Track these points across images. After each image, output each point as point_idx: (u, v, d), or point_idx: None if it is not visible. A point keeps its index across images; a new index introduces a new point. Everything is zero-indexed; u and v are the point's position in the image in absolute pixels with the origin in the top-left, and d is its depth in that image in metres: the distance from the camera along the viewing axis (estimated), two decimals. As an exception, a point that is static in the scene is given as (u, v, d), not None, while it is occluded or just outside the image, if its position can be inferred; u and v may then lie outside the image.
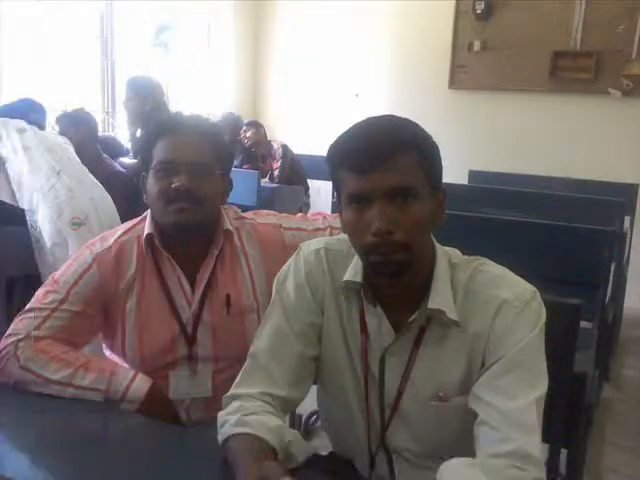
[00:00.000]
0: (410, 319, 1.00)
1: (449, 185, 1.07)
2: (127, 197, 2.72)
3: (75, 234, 2.40)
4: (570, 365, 1.20)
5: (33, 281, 2.26)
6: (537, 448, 0.89)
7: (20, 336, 1.22)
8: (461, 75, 4.75)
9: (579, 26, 4.32)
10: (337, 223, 1.29)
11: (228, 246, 1.38)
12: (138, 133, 3.15)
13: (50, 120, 3.07)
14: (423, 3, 4.82)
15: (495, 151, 4.69)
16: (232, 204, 1.45)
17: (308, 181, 4.62)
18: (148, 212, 1.36)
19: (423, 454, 1.07)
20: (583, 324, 1.43)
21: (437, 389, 1.02)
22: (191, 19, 5.01)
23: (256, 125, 4.57)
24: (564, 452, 1.27)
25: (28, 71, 3.68)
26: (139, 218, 1.39)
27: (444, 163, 1.01)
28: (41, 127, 2.67)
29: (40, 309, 1.26)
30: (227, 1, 5.20)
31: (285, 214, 1.50)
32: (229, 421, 0.98)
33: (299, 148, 4.68)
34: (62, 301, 1.27)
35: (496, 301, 0.98)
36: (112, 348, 1.37)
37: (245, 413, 0.98)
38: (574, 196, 3.22)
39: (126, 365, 1.32)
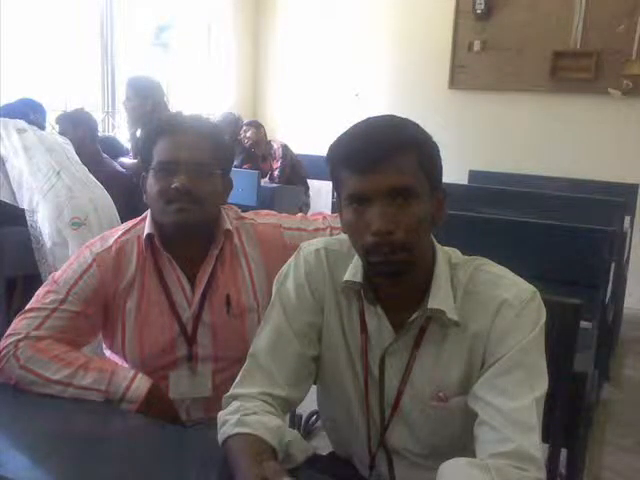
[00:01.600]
0: (410, 319, 1.00)
1: (449, 185, 1.08)
2: (127, 197, 2.72)
3: (75, 234, 2.40)
4: (570, 365, 1.20)
5: (33, 281, 2.26)
6: (537, 448, 0.89)
7: (20, 336, 1.22)
8: (461, 75, 4.74)
9: (579, 26, 4.32)
10: (337, 223, 1.29)
11: (228, 246, 1.38)
12: (138, 133, 3.15)
13: (50, 120, 3.08)
14: (423, 3, 4.81)
15: (495, 151, 4.70)
16: (232, 204, 1.45)
17: (308, 181, 4.61)
18: (148, 212, 1.36)
19: (423, 454, 1.07)
20: (583, 324, 1.43)
21: (437, 389, 1.02)
22: (191, 19, 5.01)
23: (256, 125, 4.56)
24: (564, 452, 1.27)
25: (28, 71, 3.68)
26: (139, 218, 1.39)
27: (444, 163, 1.01)
28: (41, 127, 2.67)
29: (40, 309, 1.26)
30: (227, 1, 5.20)
31: (285, 214, 1.50)
32: (229, 421, 0.98)
33: (299, 148, 4.68)
34: (62, 301, 1.27)
35: (496, 301, 0.98)
36: (112, 348, 1.37)
37: (245, 413, 0.98)
38: (574, 196, 3.22)
39: (126, 365, 1.32)
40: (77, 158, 2.65)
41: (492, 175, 4.08)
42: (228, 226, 1.37)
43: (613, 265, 2.61)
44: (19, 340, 1.22)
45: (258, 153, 4.54)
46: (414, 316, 1.00)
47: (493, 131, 4.74)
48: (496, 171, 4.17)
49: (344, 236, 1.05)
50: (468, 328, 0.99)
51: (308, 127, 5.21)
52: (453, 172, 2.64)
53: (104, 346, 1.40)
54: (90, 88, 4.20)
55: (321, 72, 5.24)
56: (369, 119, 0.99)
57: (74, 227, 2.41)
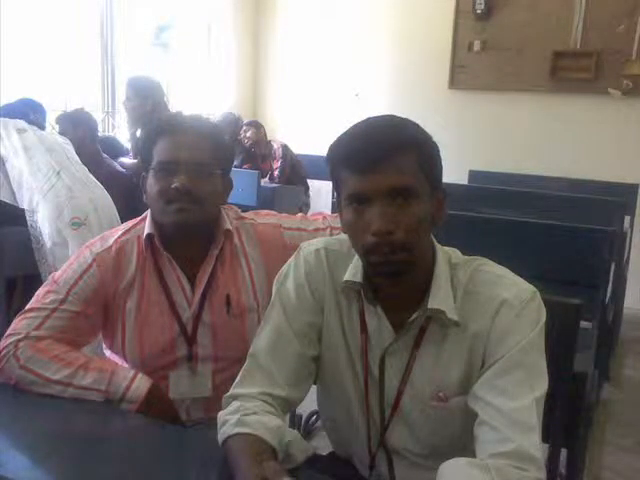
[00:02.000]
0: (410, 319, 1.00)
1: (449, 185, 1.08)
2: (127, 197, 2.72)
3: (75, 234, 2.40)
4: (570, 365, 1.20)
5: (33, 281, 2.26)
6: (537, 448, 0.89)
7: (20, 336, 1.22)
8: (461, 75, 4.74)
9: (579, 26, 4.32)
10: (337, 223, 1.29)
11: (228, 246, 1.38)
12: (138, 133, 3.15)
13: (50, 120, 3.08)
14: (423, 3, 4.81)
15: (495, 151, 4.70)
16: (232, 204, 1.45)
17: (308, 181, 4.61)
18: (148, 212, 1.36)
19: (423, 454, 1.07)
20: (583, 324, 1.43)
21: (437, 389, 1.02)
22: (191, 19, 5.01)
23: (256, 125, 4.56)
24: (564, 452, 1.27)
25: (28, 71, 3.68)
26: (139, 218, 1.39)
27: (444, 163, 1.01)
28: (41, 127, 2.67)
29: (40, 309, 1.26)
30: (227, 1, 5.20)
31: (285, 214, 1.50)
32: (229, 421, 0.98)
33: (299, 148, 4.68)
34: (62, 301, 1.27)
35: (496, 301, 0.98)
36: (112, 348, 1.37)
37: (245, 413, 0.98)
38: (574, 196, 3.22)
39: (126, 365, 1.32)
40: (77, 158, 2.65)
41: (492, 175, 4.08)
42: (228, 226, 1.37)
43: (613, 265, 2.61)
44: (19, 340, 1.22)
45: (258, 153, 4.54)
46: (414, 316, 1.00)
47: (493, 131, 4.74)
48: (496, 171, 4.17)
49: (344, 236, 1.05)
50: (468, 328, 0.99)
51: (308, 127, 5.21)
52: (453, 172, 2.64)
53: (104, 346, 1.40)
54: (90, 88, 4.20)
55: (321, 72, 5.24)
56: (369, 119, 0.99)
57: (74, 227, 2.41)
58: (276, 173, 4.43)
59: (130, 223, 1.39)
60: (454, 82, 4.78)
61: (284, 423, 1.02)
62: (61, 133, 2.91)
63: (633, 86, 4.21)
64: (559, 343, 1.16)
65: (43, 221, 2.42)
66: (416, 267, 0.98)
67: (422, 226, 0.97)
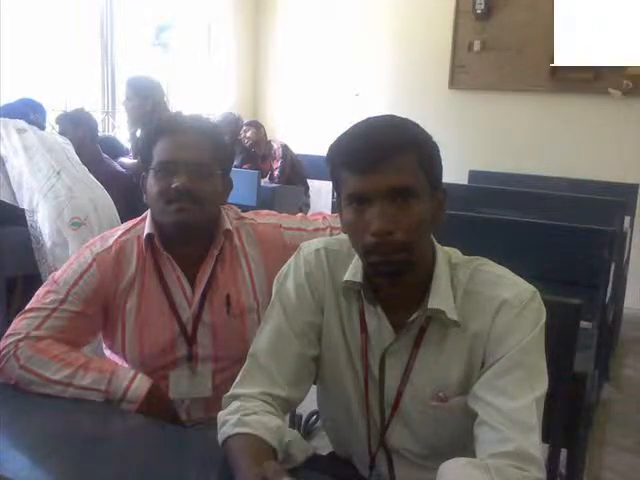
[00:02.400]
0: (410, 319, 1.00)
1: (449, 185, 1.07)
2: (127, 197, 2.72)
3: (75, 234, 2.40)
4: (570, 365, 1.20)
5: (33, 281, 2.26)
6: (537, 448, 0.89)
7: (20, 336, 1.22)
8: (461, 75, 4.74)
9: (579, 26, 4.32)
10: (337, 223, 1.29)
11: (228, 246, 1.38)
12: (138, 133, 3.15)
13: (50, 120, 3.08)
14: (423, 3, 4.81)
15: (495, 151, 4.70)
16: (232, 204, 1.45)
17: (308, 181, 4.61)
18: (148, 212, 1.36)
19: (423, 454, 1.07)
20: (583, 324, 1.43)
21: (437, 389, 1.02)
22: (191, 19, 5.01)
23: (256, 125, 4.56)
24: (564, 452, 1.27)
25: (28, 71, 3.68)
26: (139, 218, 1.39)
27: (444, 163, 1.01)
28: (41, 127, 2.67)
29: (40, 309, 1.26)
30: (227, 1, 5.20)
31: (285, 214, 1.50)
32: (229, 421, 0.98)
33: (299, 148, 4.68)
34: (62, 301, 1.27)
35: (496, 301, 0.98)
36: (112, 348, 1.37)
37: (245, 413, 0.98)
38: (574, 196, 3.22)
39: (126, 365, 1.32)
40: (77, 158, 2.65)
41: (492, 175, 4.08)
42: (228, 226, 1.37)
43: (613, 265, 2.61)
44: (19, 340, 1.22)
45: (258, 153, 4.54)
46: (414, 316, 1.00)
47: (493, 131, 4.74)
48: (496, 171, 4.17)
49: (344, 236, 1.05)
50: (468, 328, 0.99)
51: (308, 127, 5.21)
52: (453, 172, 2.64)
53: (104, 346, 1.40)
54: (90, 88, 4.20)
55: (321, 72, 5.24)
56: (369, 119, 0.99)
57: (74, 227, 2.41)
58: (276, 173, 4.43)
59: (130, 223, 1.39)
60: (454, 82, 4.78)
61: (284, 423, 1.02)
62: (61, 133, 2.91)
63: (633, 86, 4.21)
64: (559, 343, 1.16)
65: (43, 221, 2.42)
66: (416, 267, 0.98)
67: (422, 226, 0.97)
